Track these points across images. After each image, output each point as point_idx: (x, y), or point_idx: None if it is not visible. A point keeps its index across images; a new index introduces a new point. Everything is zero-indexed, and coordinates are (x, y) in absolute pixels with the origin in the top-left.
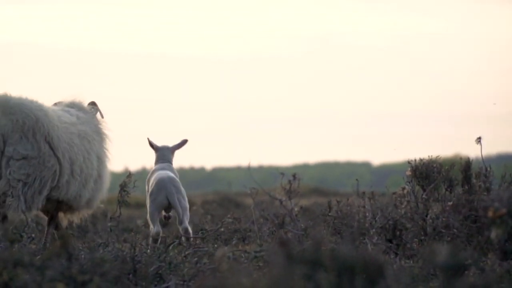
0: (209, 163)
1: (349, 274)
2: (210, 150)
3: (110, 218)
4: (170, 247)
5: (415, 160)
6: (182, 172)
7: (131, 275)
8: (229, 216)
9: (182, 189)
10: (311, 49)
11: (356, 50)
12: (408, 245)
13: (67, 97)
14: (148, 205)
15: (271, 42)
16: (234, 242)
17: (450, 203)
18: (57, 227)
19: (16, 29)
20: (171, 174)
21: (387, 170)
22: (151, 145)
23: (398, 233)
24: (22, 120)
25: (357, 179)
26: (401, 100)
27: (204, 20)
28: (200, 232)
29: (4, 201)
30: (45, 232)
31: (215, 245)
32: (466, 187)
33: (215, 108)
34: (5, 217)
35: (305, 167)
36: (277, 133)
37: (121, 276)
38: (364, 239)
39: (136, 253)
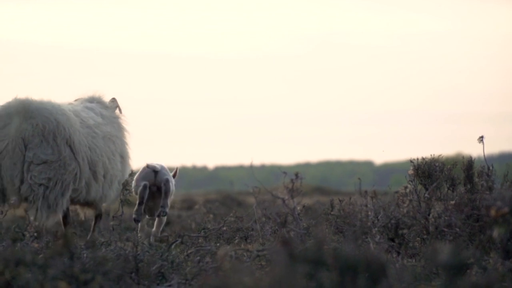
0: (212, 162)
1: (352, 273)
2: (212, 149)
3: (113, 217)
4: (173, 246)
5: (417, 159)
6: (185, 171)
7: (133, 274)
8: (231, 215)
9: (172, 178)
10: (312, 49)
11: (357, 50)
12: (410, 244)
13: (85, 94)
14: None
15: (272, 42)
16: (236, 241)
17: (452, 202)
18: (65, 224)
19: (17, 29)
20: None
21: (389, 169)
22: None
23: (400, 232)
24: (42, 124)
25: (359, 178)
26: (403, 99)
27: (207, 20)
28: (202, 231)
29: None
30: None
31: (218, 244)
32: (468, 186)
33: (217, 107)
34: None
35: (307, 166)
36: (279, 132)
37: (123, 275)
38: (367, 238)
39: (138, 252)
